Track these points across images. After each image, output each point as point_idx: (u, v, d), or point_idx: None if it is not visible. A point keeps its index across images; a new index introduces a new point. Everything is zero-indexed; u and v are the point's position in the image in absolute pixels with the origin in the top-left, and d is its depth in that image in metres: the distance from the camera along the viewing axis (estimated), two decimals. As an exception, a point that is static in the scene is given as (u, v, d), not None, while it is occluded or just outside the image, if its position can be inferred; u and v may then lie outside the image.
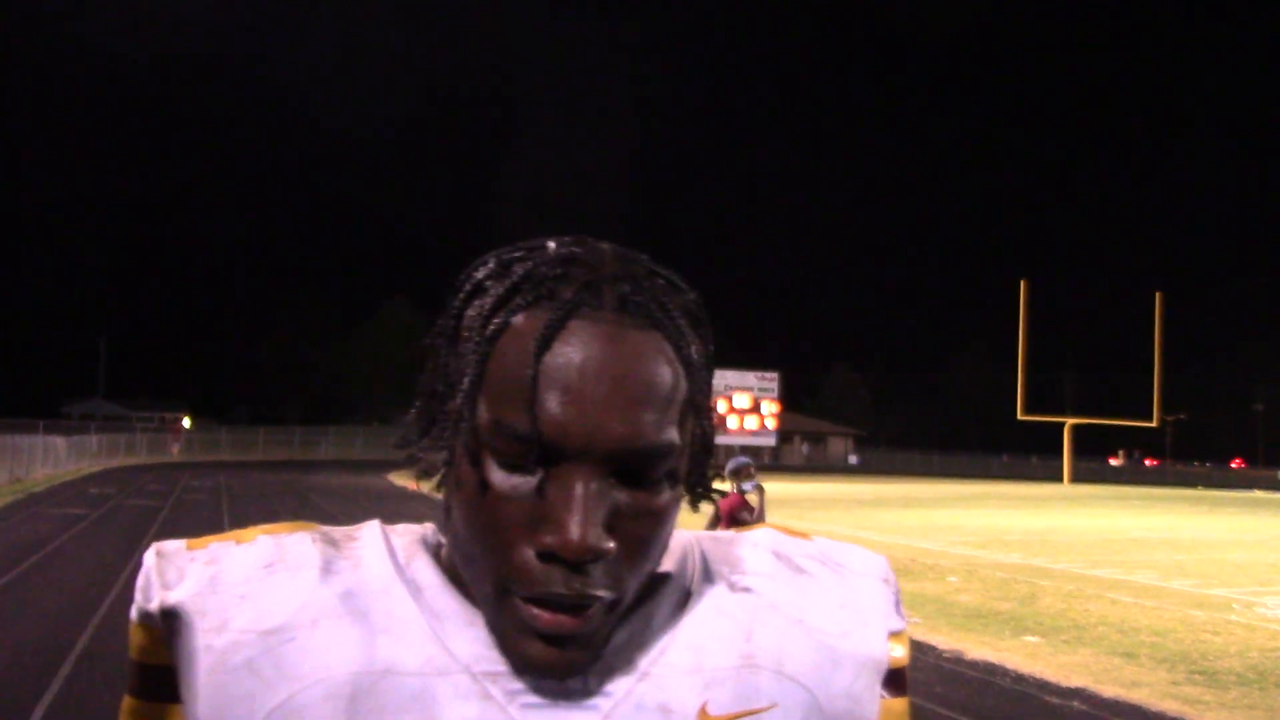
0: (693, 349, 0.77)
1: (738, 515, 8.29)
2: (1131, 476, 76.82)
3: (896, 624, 0.87)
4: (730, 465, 8.54)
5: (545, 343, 0.73)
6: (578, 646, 0.75)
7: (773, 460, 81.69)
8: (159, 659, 0.80)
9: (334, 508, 24.43)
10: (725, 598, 0.84)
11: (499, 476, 0.74)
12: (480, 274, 0.80)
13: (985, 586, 13.73)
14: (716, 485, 0.85)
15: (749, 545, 0.88)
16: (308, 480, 37.01)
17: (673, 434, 0.75)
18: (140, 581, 0.82)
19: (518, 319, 0.75)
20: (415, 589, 0.80)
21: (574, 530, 0.71)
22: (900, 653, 0.87)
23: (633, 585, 0.77)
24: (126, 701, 0.83)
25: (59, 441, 37.68)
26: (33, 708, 6.81)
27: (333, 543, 0.83)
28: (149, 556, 0.83)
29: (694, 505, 0.84)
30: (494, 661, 0.78)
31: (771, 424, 79.52)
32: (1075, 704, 7.79)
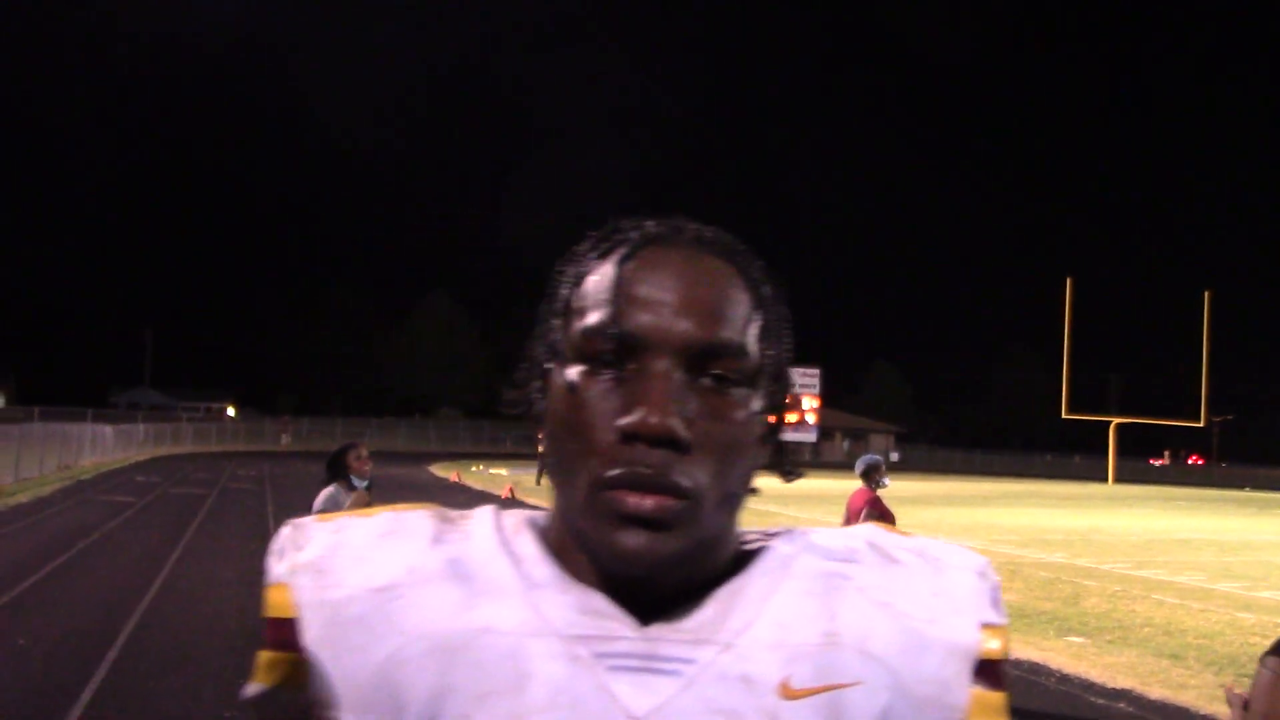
0: (766, 287, 0.87)
1: (870, 511, 8.21)
2: (1177, 477, 75.85)
3: (992, 617, 0.88)
4: (862, 464, 8.58)
5: (626, 258, 0.84)
6: (664, 531, 0.80)
7: (813, 456, 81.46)
8: (285, 612, 0.88)
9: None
10: (814, 580, 0.87)
11: (587, 377, 0.83)
12: (583, 242, 0.90)
13: (1028, 586, 13.60)
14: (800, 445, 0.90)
15: (846, 535, 0.91)
16: (350, 471, 37.24)
17: (744, 337, 0.83)
18: (275, 547, 0.91)
19: (605, 256, 0.86)
20: (515, 559, 0.86)
21: (652, 407, 0.79)
22: (996, 645, 0.87)
23: (711, 492, 0.81)
24: (261, 655, 0.89)
25: (107, 430, 38.26)
26: (79, 692, 6.92)
27: (447, 519, 0.91)
28: (284, 528, 0.92)
29: (771, 414, 0.88)
30: (584, 627, 0.83)
31: (812, 419, 79.23)
32: (1121, 705, 7.71)
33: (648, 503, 0.79)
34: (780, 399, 0.89)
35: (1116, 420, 63.37)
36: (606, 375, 0.82)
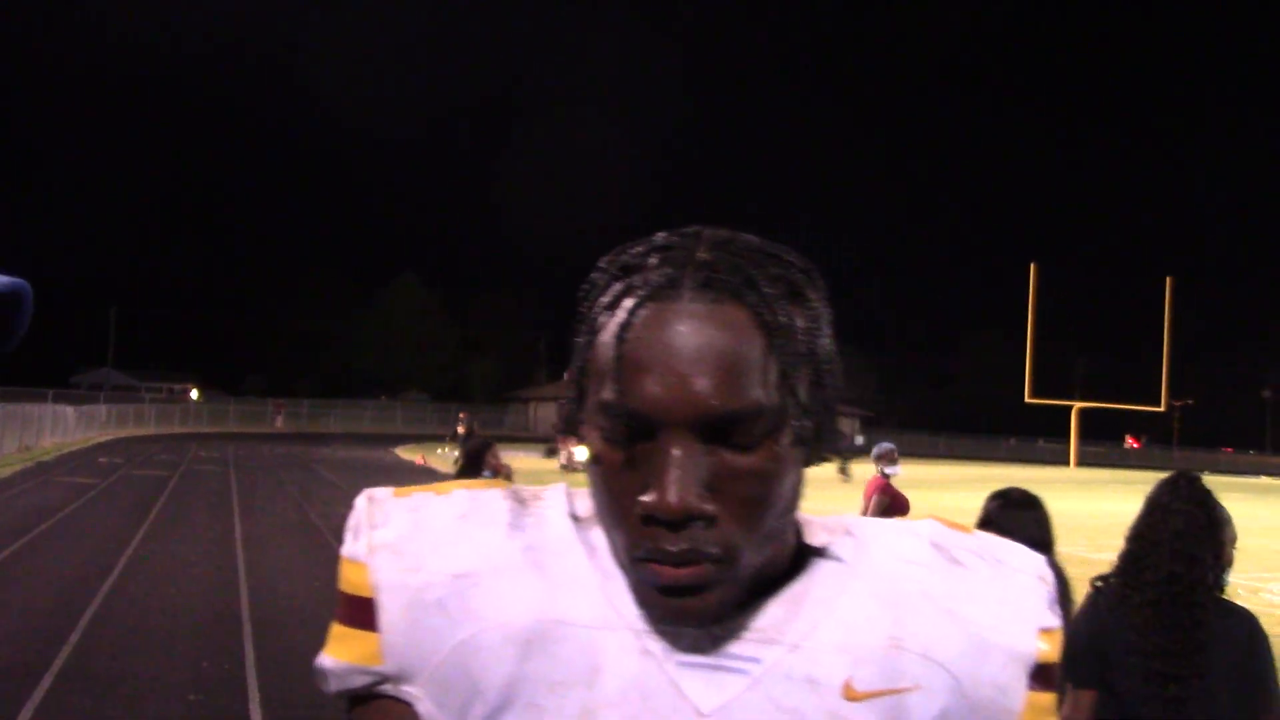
0: (781, 316, 0.81)
1: (879, 498, 8.33)
2: (1140, 461, 76.77)
3: (1049, 621, 0.89)
4: (875, 450, 8.72)
5: (627, 325, 0.80)
6: (699, 595, 0.80)
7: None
8: (362, 591, 0.89)
9: (342, 480, 24.52)
10: (879, 581, 0.87)
11: (608, 451, 0.82)
12: (595, 272, 0.88)
13: (991, 568, 13.70)
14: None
15: (910, 534, 0.91)
16: (316, 453, 37.13)
17: (757, 395, 0.79)
18: (351, 521, 0.92)
19: (613, 309, 0.83)
20: (590, 549, 0.88)
21: (668, 492, 0.78)
22: (1052, 649, 0.89)
23: (747, 544, 0.81)
24: (334, 628, 0.91)
25: (68, 411, 37.86)
26: (41, 674, 6.86)
27: (521, 501, 0.92)
28: (360, 501, 0.93)
29: (809, 463, 0.87)
30: (655, 622, 0.85)
31: (779, 404, 79.17)
32: (1079, 686, 7.80)
33: (682, 574, 0.79)
34: (822, 414, 0.86)
35: (1079, 405, 64.02)
36: (624, 450, 0.81)
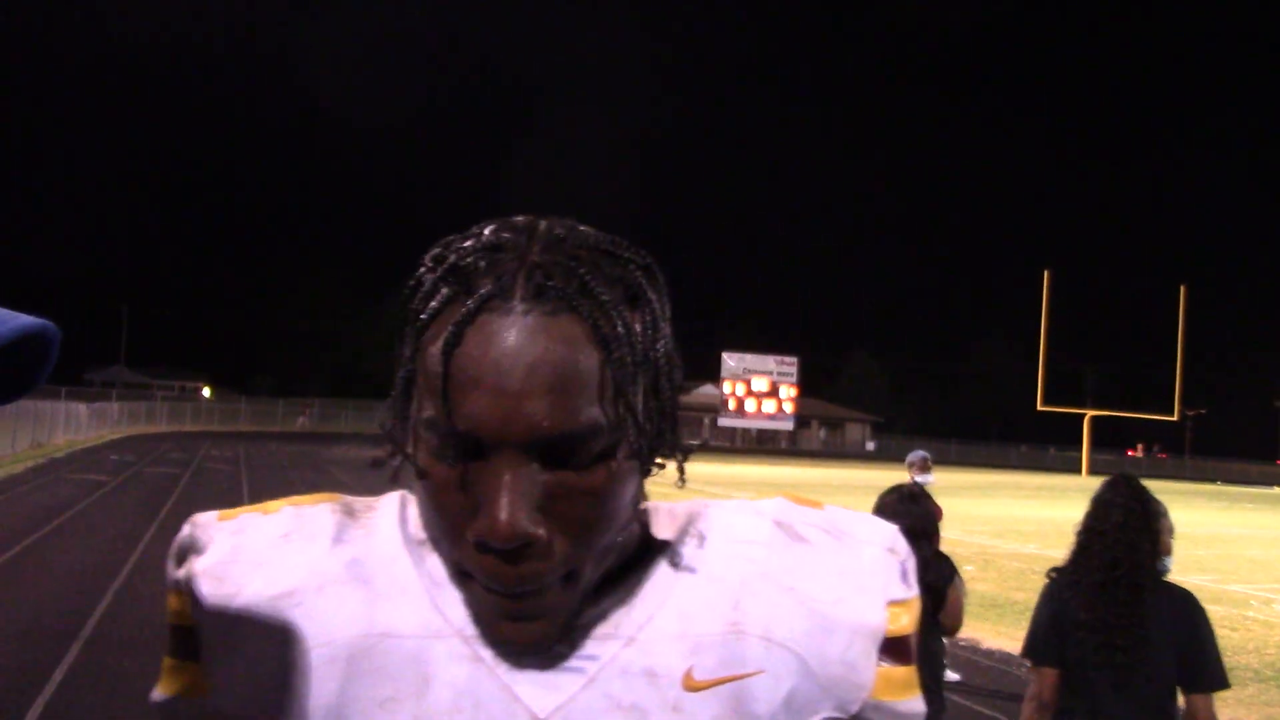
0: (618, 325, 0.76)
1: None
2: (1149, 470, 76.50)
3: (900, 593, 0.86)
4: (908, 458, 8.79)
5: (454, 340, 0.74)
6: (538, 620, 0.78)
7: (790, 445, 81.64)
8: (184, 620, 0.85)
9: (353, 481, 24.56)
10: (716, 565, 0.84)
11: (436, 468, 0.77)
12: (422, 267, 0.81)
13: (1002, 576, 13.67)
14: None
15: (752, 514, 0.88)
16: (327, 453, 37.17)
17: (593, 414, 0.75)
18: (173, 550, 0.88)
19: (440, 315, 0.77)
20: (419, 557, 0.84)
21: (499, 516, 0.73)
22: (904, 622, 0.85)
23: (582, 565, 0.78)
24: (165, 660, 0.88)
25: (81, 408, 38.01)
26: (51, 671, 6.88)
27: (351, 513, 0.88)
28: (184, 527, 0.88)
29: (646, 473, 0.83)
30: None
31: (789, 408, 79.45)
32: (1089, 696, 7.77)
33: (519, 606, 0.77)
34: (659, 420, 0.82)
35: (1091, 413, 63.81)
36: (453, 470, 0.76)
